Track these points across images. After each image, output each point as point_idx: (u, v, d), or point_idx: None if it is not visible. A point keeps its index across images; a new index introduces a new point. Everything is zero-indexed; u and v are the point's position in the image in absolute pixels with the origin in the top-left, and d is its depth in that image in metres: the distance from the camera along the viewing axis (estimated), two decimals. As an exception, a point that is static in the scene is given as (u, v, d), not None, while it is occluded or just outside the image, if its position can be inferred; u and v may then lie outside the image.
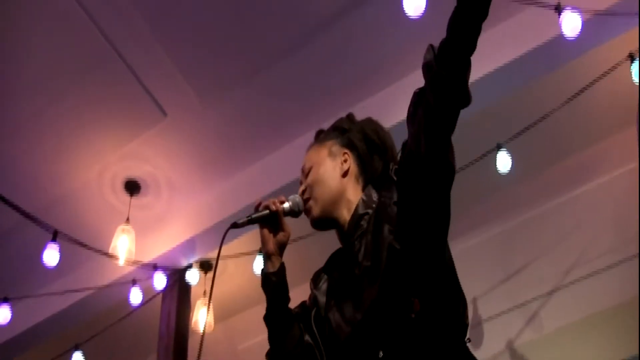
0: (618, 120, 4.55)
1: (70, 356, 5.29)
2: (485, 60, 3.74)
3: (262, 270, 1.83)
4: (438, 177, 1.56)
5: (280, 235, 1.81)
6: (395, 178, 1.68)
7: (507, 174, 4.24)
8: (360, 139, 1.85)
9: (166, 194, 4.78)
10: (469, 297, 5.46)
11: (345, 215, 1.80)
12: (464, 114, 1.55)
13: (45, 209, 4.40)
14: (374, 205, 1.74)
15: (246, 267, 5.01)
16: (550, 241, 5.13)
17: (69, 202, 4.74)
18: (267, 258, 1.82)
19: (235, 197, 4.59)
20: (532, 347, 5.25)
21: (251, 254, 4.81)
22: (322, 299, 1.81)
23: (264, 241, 1.82)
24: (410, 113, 1.59)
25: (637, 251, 4.79)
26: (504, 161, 4.13)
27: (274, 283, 1.79)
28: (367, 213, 1.74)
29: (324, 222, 1.82)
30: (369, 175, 1.84)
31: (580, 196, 5.00)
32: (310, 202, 1.81)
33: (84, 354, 5.33)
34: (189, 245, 4.77)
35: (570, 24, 3.36)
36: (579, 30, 3.35)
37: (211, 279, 5.41)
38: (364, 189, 1.82)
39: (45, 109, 4.19)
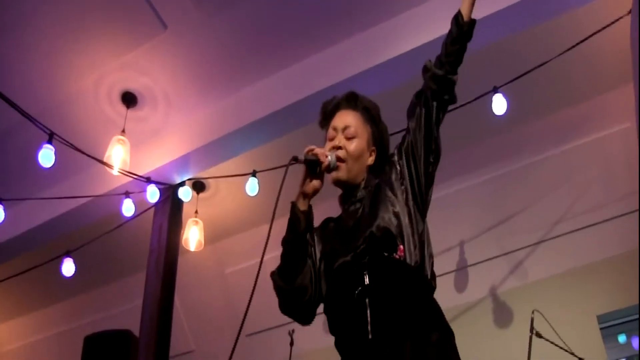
0: (616, 76, 4.50)
1: (61, 262, 5.38)
2: (488, 1, 3.71)
3: (294, 205, 2.02)
4: (429, 158, 2.05)
5: (316, 183, 2.04)
6: (396, 160, 2.09)
7: (502, 119, 4.23)
8: (380, 141, 2.20)
9: (162, 108, 4.76)
10: (456, 240, 5.52)
11: (355, 184, 2.14)
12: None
13: (40, 113, 4.36)
14: (372, 183, 2.12)
15: (238, 190, 5.04)
16: (540, 192, 5.16)
17: (64, 108, 4.72)
18: (301, 197, 2.03)
19: (230, 117, 4.59)
20: (515, 294, 5.36)
21: (244, 175, 4.84)
22: (319, 244, 2.11)
23: (304, 182, 2.03)
24: (409, 110, 2.13)
25: (622, 212, 4.84)
26: (499, 104, 4.10)
27: (303, 221, 2.00)
28: (367, 187, 2.11)
29: (342, 185, 2.13)
30: (370, 166, 2.18)
31: (573, 150, 5.00)
32: (342, 166, 2.09)
33: (75, 261, 5.40)
34: (183, 162, 4.79)
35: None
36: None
37: (204, 199, 5.47)
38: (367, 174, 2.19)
39: (42, 10, 4.10)
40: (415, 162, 2.05)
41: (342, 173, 2.08)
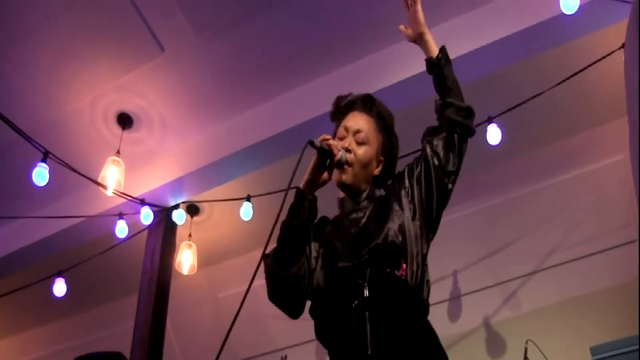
0: (610, 109, 4.52)
1: (53, 282, 5.35)
2: (483, 32, 3.75)
3: (299, 191, 1.97)
4: (446, 186, 2.03)
5: (325, 175, 2.00)
6: (406, 179, 2.07)
7: (496, 150, 4.26)
8: (389, 153, 2.17)
9: (158, 130, 4.76)
10: (450, 270, 5.50)
11: (359, 191, 2.11)
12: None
13: (35, 131, 4.36)
14: (376, 195, 2.13)
15: (232, 214, 5.04)
16: (534, 223, 5.16)
17: (59, 127, 4.72)
18: (307, 185, 1.97)
19: (225, 142, 4.59)
20: (508, 324, 5.32)
21: (239, 200, 4.84)
22: (315, 244, 2.05)
23: (313, 170, 1.97)
24: (425, 135, 2.13)
25: (616, 244, 4.83)
26: (494, 134, 4.13)
27: (307, 208, 1.96)
28: (370, 197, 2.10)
29: (346, 188, 2.10)
30: (375, 177, 2.15)
31: (567, 182, 5.00)
32: (349, 170, 2.05)
33: (66, 282, 5.37)
34: (177, 185, 4.78)
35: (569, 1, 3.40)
36: (577, 7, 3.38)
37: (197, 223, 5.46)
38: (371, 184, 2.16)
39: (40, 28, 4.13)
40: (428, 186, 2.03)
41: (347, 177, 2.05)
